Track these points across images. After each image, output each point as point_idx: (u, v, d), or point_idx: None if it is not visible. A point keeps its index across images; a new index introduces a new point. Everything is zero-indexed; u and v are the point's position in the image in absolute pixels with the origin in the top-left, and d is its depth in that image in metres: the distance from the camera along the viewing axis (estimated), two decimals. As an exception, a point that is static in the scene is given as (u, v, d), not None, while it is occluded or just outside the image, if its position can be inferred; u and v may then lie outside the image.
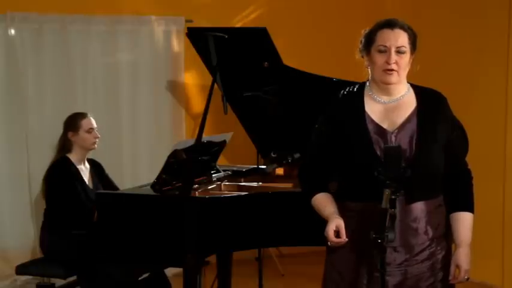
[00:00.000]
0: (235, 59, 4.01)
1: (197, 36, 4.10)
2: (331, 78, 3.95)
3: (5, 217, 5.26)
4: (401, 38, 2.46)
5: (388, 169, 2.29)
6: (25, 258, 4.75)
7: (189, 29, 4.32)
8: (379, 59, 2.47)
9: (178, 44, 5.64)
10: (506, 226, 4.96)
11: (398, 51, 2.45)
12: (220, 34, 3.89)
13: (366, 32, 2.54)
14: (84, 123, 4.22)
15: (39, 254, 4.65)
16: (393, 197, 2.24)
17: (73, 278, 4.21)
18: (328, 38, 6.12)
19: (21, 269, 4.24)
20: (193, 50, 4.28)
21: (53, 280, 4.28)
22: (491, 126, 5.00)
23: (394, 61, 2.44)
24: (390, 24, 2.49)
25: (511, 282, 4.93)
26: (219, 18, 5.59)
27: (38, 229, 4.65)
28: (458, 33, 5.34)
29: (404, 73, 2.50)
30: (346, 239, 2.44)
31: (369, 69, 2.55)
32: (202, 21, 5.47)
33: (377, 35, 2.48)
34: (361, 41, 2.56)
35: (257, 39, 3.93)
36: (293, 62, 4.04)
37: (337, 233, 2.46)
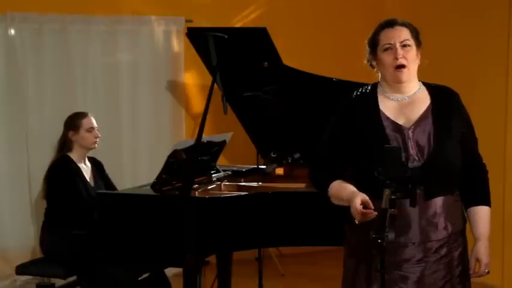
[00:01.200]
0: (235, 59, 4.01)
1: (197, 36, 4.09)
2: (331, 78, 3.95)
3: (5, 217, 5.27)
4: (404, 33, 2.51)
5: (388, 169, 2.29)
6: (25, 258, 4.75)
7: (189, 29, 4.32)
8: (387, 57, 2.50)
9: (178, 44, 5.65)
10: (506, 226, 4.96)
11: (404, 46, 2.49)
12: (220, 34, 3.89)
13: (369, 37, 2.58)
14: (84, 122, 4.22)
15: (39, 254, 4.65)
16: (393, 197, 2.24)
17: (73, 278, 4.21)
18: (328, 38, 6.12)
19: (21, 269, 4.24)
20: (193, 50, 4.27)
21: (53, 280, 4.28)
22: (491, 126, 5.00)
23: (401, 55, 2.48)
24: (390, 23, 2.53)
25: (511, 282, 4.93)
26: (219, 18, 5.59)
27: (38, 229, 4.65)
28: (458, 33, 5.34)
29: (414, 68, 2.53)
30: (375, 213, 2.31)
31: (379, 73, 2.57)
32: (202, 21, 5.48)
33: (380, 36, 2.53)
34: (366, 49, 2.59)
35: (257, 39, 3.93)
36: (293, 62, 4.04)
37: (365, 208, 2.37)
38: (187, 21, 5.56)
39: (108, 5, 5.51)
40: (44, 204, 4.28)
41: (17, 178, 5.29)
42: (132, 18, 5.54)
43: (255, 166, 4.47)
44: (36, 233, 5.04)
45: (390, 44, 2.49)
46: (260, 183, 4.14)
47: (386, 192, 2.24)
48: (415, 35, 2.54)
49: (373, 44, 2.55)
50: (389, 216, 2.20)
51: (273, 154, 4.24)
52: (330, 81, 3.95)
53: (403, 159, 2.39)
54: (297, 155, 4.12)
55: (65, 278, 4.15)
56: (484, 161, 2.63)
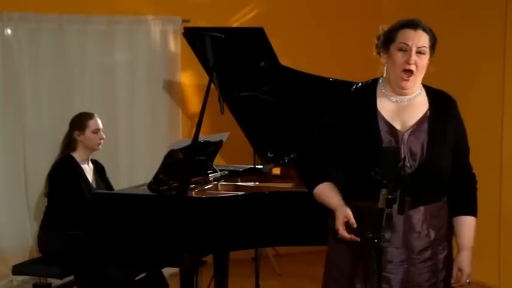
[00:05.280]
0: (232, 59, 4.01)
1: (194, 36, 4.09)
2: (328, 78, 3.95)
3: (2, 217, 5.25)
4: (423, 39, 2.45)
5: (385, 169, 2.29)
6: (22, 258, 4.74)
7: (185, 28, 4.31)
8: (399, 57, 2.44)
9: (175, 43, 5.64)
10: (502, 226, 4.97)
11: (419, 52, 2.44)
12: (217, 34, 3.88)
13: (386, 29, 2.51)
14: (91, 123, 4.24)
15: (36, 254, 4.64)
16: (390, 196, 2.24)
17: (70, 278, 4.21)
18: (325, 38, 6.13)
19: (17, 269, 4.24)
20: (190, 50, 4.27)
21: (50, 280, 4.28)
22: (488, 126, 5.01)
23: (413, 61, 2.43)
24: (413, 24, 2.47)
25: (507, 282, 4.94)
26: (216, 18, 5.60)
27: (35, 229, 4.64)
28: (454, 32, 5.34)
29: (420, 77, 2.49)
30: (358, 239, 2.41)
31: (385, 68, 2.52)
32: (199, 21, 5.48)
33: (398, 34, 2.46)
34: (378, 38, 2.53)
35: (254, 39, 3.92)
36: (290, 61, 4.04)
37: (348, 224, 2.44)
38: (184, 21, 5.55)
39: (105, 4, 5.50)
40: (42, 203, 4.28)
41: (14, 178, 5.28)
42: (129, 18, 5.53)
43: (252, 166, 4.47)
44: (33, 233, 5.04)
45: (407, 44, 2.43)
46: (257, 183, 4.14)
47: (383, 192, 2.24)
48: (433, 43, 2.49)
49: (388, 38, 2.48)
50: (386, 216, 2.21)
51: (270, 154, 4.25)
52: (327, 81, 3.95)
53: (401, 160, 2.39)
54: (293, 155, 4.12)
55: (61, 278, 4.15)
56: (473, 171, 2.61)
